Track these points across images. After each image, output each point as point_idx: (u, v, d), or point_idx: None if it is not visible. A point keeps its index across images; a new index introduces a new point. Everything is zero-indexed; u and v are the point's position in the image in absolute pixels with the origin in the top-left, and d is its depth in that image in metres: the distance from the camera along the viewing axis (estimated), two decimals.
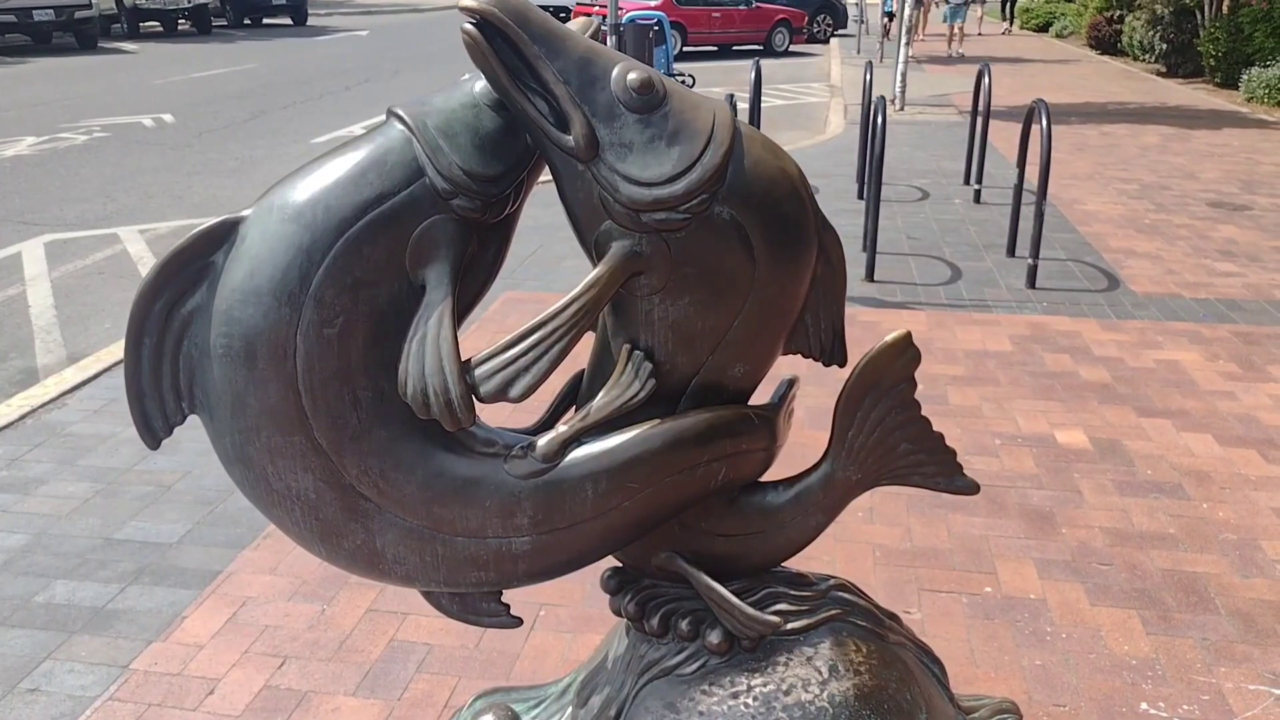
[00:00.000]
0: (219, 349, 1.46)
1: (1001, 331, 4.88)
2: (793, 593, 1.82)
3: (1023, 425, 3.84)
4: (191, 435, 4.04)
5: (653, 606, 1.81)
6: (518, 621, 1.73)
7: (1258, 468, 3.52)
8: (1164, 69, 15.83)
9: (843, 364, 1.70)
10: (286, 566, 2.94)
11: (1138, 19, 16.57)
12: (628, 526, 1.62)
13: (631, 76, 1.45)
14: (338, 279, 1.42)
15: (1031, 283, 5.56)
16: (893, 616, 1.92)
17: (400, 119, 1.50)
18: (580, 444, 1.55)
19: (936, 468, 1.74)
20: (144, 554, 3.02)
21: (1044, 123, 5.23)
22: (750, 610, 1.70)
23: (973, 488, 1.75)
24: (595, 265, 1.51)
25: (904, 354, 1.63)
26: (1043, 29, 25.16)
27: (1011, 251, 6.16)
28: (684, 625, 1.75)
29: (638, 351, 1.57)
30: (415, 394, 1.44)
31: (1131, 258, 6.12)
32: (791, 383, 1.75)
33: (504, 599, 1.69)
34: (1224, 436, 3.76)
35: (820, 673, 1.76)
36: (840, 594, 1.86)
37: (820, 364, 1.66)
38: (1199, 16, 14.76)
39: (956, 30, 18.27)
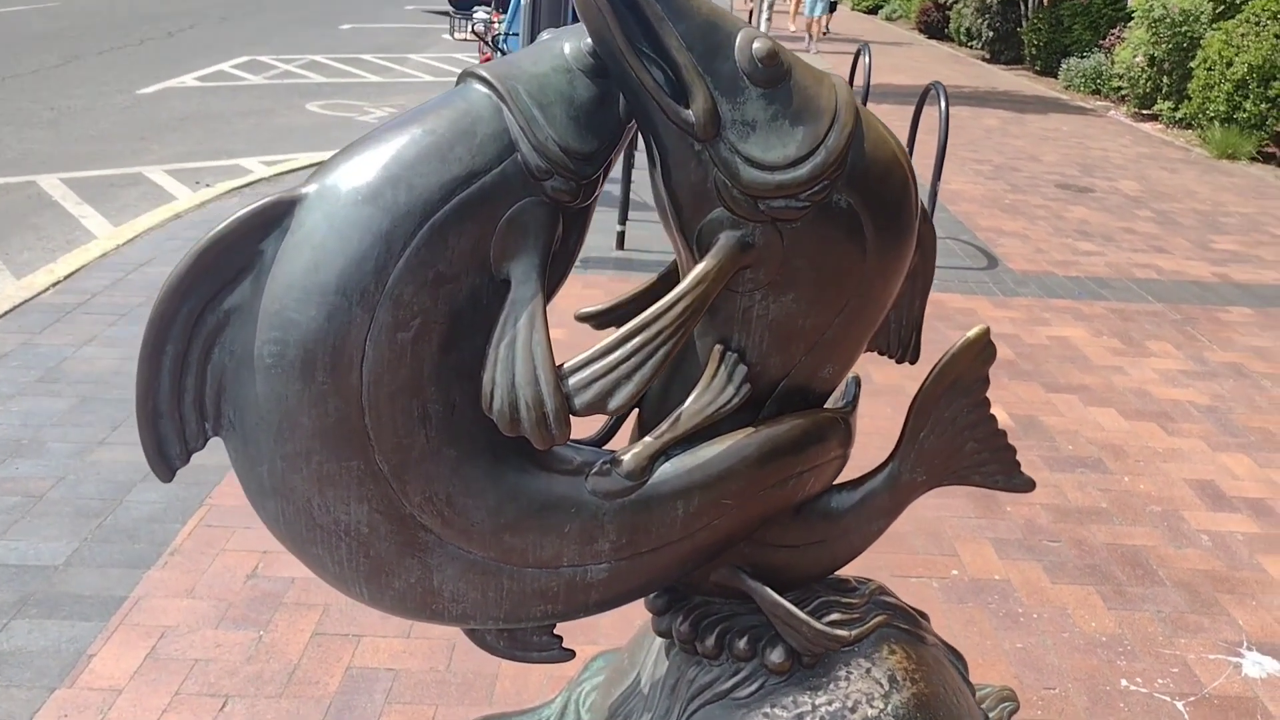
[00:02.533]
0: (267, 358, 1.23)
1: None
2: (843, 600, 1.74)
3: None
4: (60, 434, 3.75)
5: (706, 626, 1.68)
6: (570, 654, 1.58)
7: (1161, 440, 3.72)
8: (988, 55, 16.74)
9: (915, 361, 1.64)
10: (205, 587, 2.65)
11: (967, 6, 17.42)
12: (713, 546, 1.49)
13: (757, 45, 1.30)
14: (418, 273, 1.23)
15: None
16: (923, 615, 1.88)
17: (486, 83, 1.30)
18: (667, 457, 1.41)
19: (998, 466, 1.69)
20: (24, 580, 2.65)
21: (942, 104, 5.36)
22: (819, 625, 1.59)
23: (1030, 485, 1.70)
24: (695, 258, 1.36)
25: (982, 351, 1.57)
26: (873, 11, 26.16)
27: None
28: (741, 644, 1.62)
29: (730, 353, 1.43)
30: (504, 407, 1.26)
31: (1003, 236, 6.39)
32: (858, 382, 1.66)
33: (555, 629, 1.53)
34: (1126, 410, 3.95)
35: (882, 685, 1.69)
36: (882, 597, 1.81)
37: (894, 361, 1.58)
38: (1022, 7, 15.66)
39: (817, 22, 18.64)
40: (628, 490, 1.39)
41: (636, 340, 1.30)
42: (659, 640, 1.76)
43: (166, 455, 1.26)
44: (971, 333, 1.56)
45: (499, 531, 1.35)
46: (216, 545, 2.83)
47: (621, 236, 5.71)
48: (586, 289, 4.95)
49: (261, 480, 1.29)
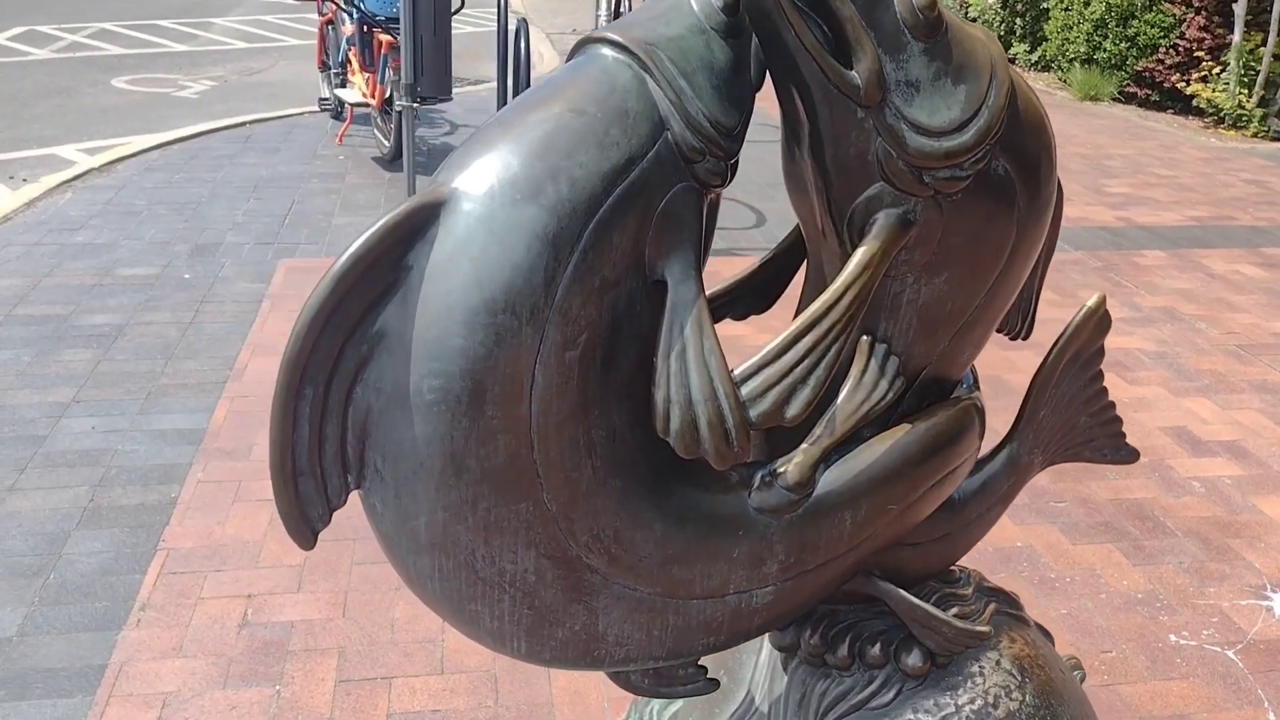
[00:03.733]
0: (428, 394, 1.12)
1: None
2: (957, 592, 1.76)
3: None
4: None
5: (836, 635, 1.66)
6: (716, 684, 1.55)
7: (1125, 390, 3.94)
8: None
9: (1027, 336, 1.64)
10: (195, 643, 2.46)
11: None
12: (869, 557, 1.46)
13: None
14: (586, 281, 1.13)
15: None
16: (1015, 595, 1.92)
17: (623, 49, 1.19)
18: (827, 465, 1.36)
19: (1107, 439, 1.73)
20: None
21: None
22: (961, 624, 1.60)
23: (1134, 455, 1.75)
24: (847, 242, 1.29)
25: (1101, 321, 1.59)
26: None
27: None
28: (874, 651, 1.59)
29: (879, 343, 1.36)
30: (683, 427, 1.16)
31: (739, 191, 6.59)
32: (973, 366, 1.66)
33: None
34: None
35: (1015, 676, 1.72)
36: (983, 583, 1.83)
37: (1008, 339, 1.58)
38: None
39: None
40: (795, 504, 1.33)
41: (808, 339, 1.21)
42: (767, 654, 1.72)
43: (309, 518, 1.14)
44: (1090, 302, 1.57)
45: (667, 564, 1.28)
46: (191, 594, 2.63)
47: None
48: None
49: (417, 535, 1.18)
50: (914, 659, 1.57)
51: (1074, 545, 2.95)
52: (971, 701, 1.65)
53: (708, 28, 1.24)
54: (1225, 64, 9.00)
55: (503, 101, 6.25)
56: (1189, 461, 3.43)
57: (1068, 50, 10.65)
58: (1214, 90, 8.97)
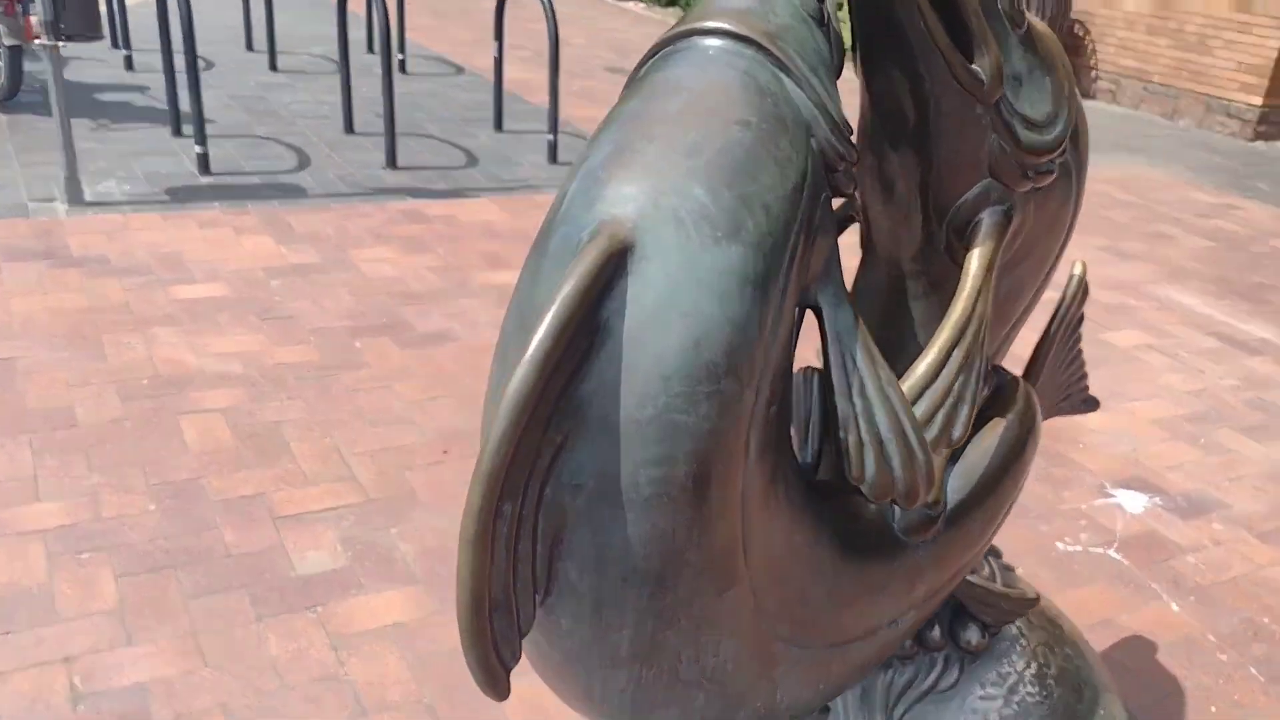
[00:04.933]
0: (645, 486, 0.89)
1: None
2: (1002, 563, 1.78)
3: None
4: None
5: None
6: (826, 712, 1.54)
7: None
8: None
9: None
10: None
11: None
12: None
13: None
14: (785, 322, 0.98)
15: (554, 157, 5.56)
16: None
17: (754, 44, 0.98)
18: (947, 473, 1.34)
19: (1079, 393, 1.81)
20: None
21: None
22: (1014, 593, 1.62)
23: (1096, 404, 1.84)
24: (947, 244, 1.23)
25: (1085, 286, 1.64)
26: None
27: (499, 125, 6.08)
28: (934, 635, 1.57)
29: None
30: (879, 472, 1.04)
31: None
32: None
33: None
34: None
35: (1048, 630, 1.80)
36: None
37: None
38: None
39: None
40: (936, 520, 1.27)
41: (959, 353, 1.14)
42: None
43: (504, 659, 0.90)
44: (1077, 269, 1.63)
45: (838, 611, 1.21)
46: None
47: (204, 159, 4.82)
48: (201, 228, 4.10)
49: (617, 649, 0.98)
50: (973, 635, 1.56)
51: None
52: (1028, 665, 1.68)
53: (805, 16, 1.04)
54: None
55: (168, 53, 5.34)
56: None
57: None
58: None
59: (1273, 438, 3.34)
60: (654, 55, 1.02)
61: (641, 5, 12.20)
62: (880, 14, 1.06)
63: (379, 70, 7.14)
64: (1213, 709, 2.17)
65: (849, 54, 1.13)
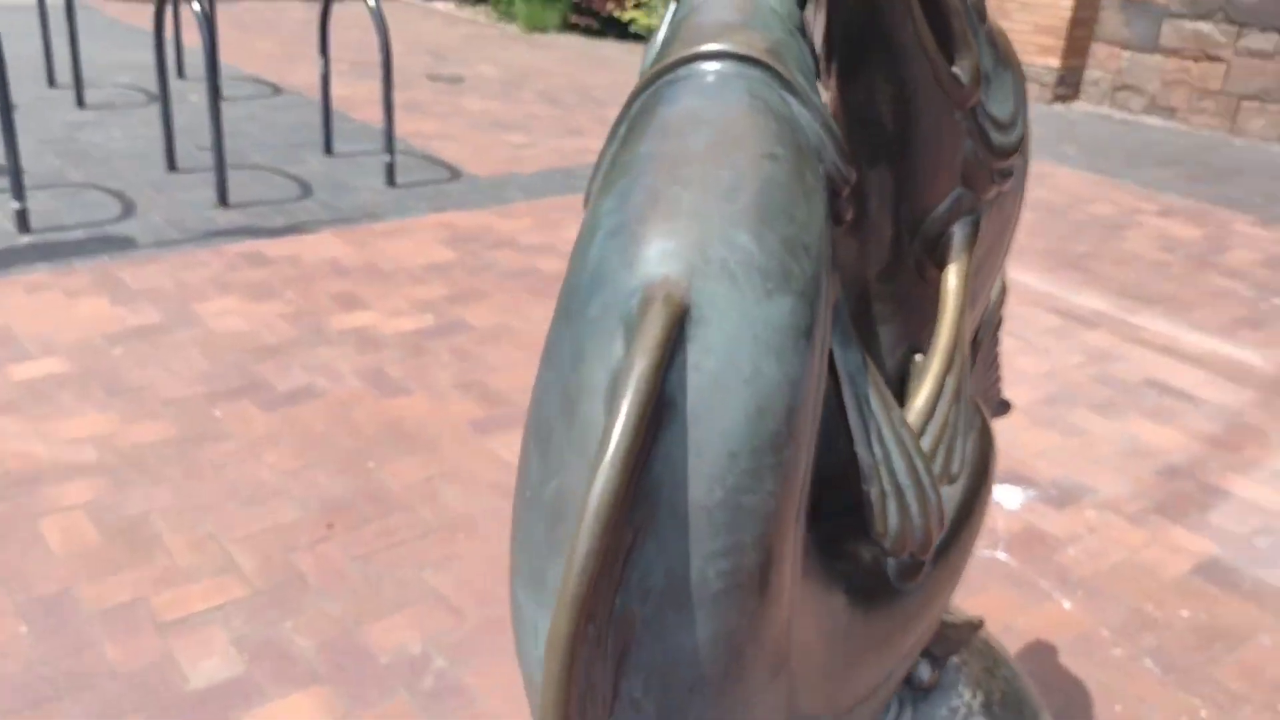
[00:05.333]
0: (715, 581, 0.81)
1: (429, 238, 4.67)
2: None
3: None
4: None
5: None
6: None
7: None
8: None
9: None
10: None
11: None
12: None
13: None
14: (824, 370, 0.93)
15: (392, 180, 5.36)
16: None
17: (762, 65, 0.91)
18: None
19: (995, 395, 1.84)
20: None
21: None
22: (957, 618, 1.64)
23: (1009, 407, 1.87)
24: (917, 260, 1.16)
25: (1004, 285, 1.65)
26: None
27: (329, 148, 5.81)
28: None
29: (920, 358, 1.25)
30: (901, 523, 0.99)
31: (437, 140, 6.26)
32: None
33: None
34: None
35: (987, 656, 1.82)
36: None
37: None
38: None
39: None
40: (924, 564, 1.21)
41: (951, 382, 1.09)
42: None
43: None
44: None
45: (849, 673, 1.14)
46: None
47: (23, 215, 4.42)
48: (28, 294, 3.77)
49: None
50: (924, 671, 1.52)
51: None
52: (975, 694, 1.67)
53: (792, 27, 0.97)
54: None
55: None
56: None
57: None
58: (647, 16, 9.68)
59: (1121, 414, 3.54)
60: (651, 84, 0.92)
61: (451, 5, 11.91)
62: (863, 17, 0.99)
63: (193, 98, 6.74)
64: (1117, 708, 2.27)
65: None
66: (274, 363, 3.49)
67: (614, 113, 7.11)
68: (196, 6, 4.60)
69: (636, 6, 9.85)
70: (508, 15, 10.89)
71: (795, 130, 0.90)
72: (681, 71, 0.91)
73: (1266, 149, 7.41)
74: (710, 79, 0.89)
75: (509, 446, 3.08)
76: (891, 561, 1.17)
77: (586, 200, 0.95)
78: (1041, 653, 2.41)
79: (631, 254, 0.80)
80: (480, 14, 11.33)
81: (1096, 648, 2.44)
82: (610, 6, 10.00)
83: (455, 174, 5.65)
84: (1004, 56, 1.16)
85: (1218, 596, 2.64)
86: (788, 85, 0.89)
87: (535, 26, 10.34)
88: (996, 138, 1.12)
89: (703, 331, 0.78)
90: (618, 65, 9.01)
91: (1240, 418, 3.57)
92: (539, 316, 3.95)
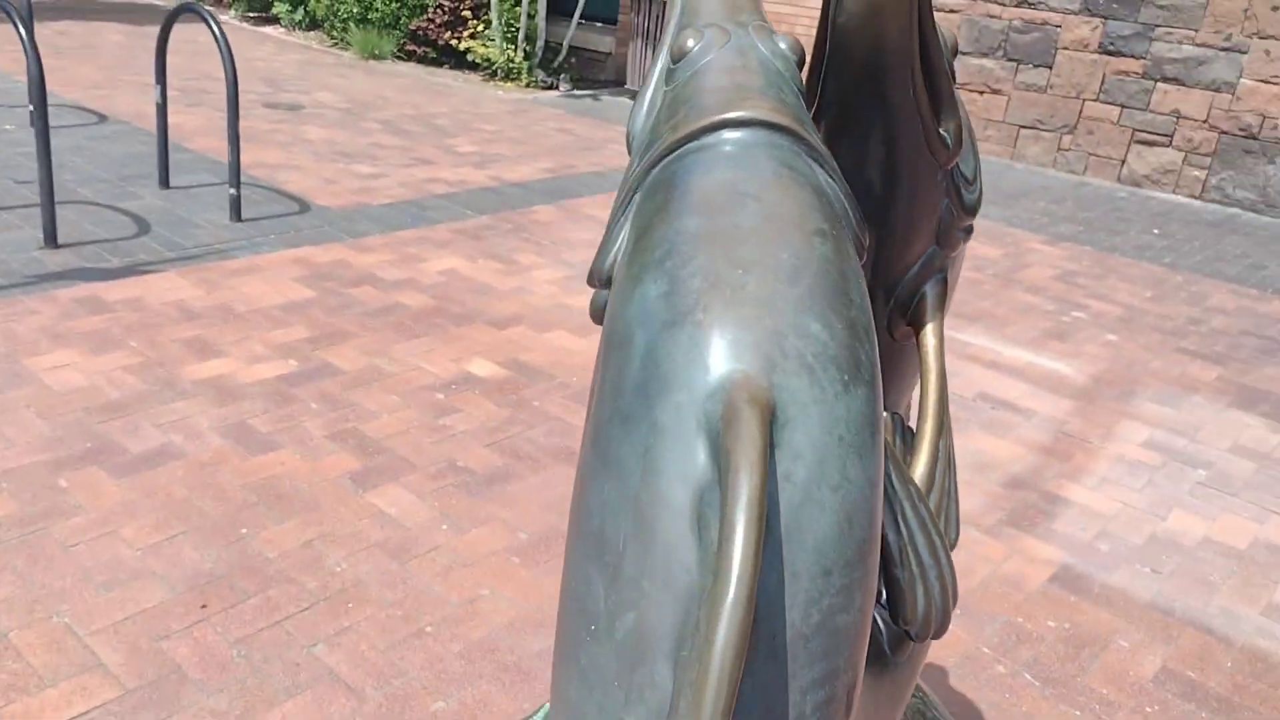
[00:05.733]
0: (813, 712, 0.73)
1: (283, 275, 4.26)
2: None
3: (439, 369, 3.55)
4: None
5: None
6: None
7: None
8: None
9: None
10: None
11: None
12: None
13: (947, 31, 1.11)
14: None
15: (237, 214, 4.89)
16: None
17: (794, 135, 0.83)
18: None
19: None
20: None
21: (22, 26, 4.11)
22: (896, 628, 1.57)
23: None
24: (892, 319, 1.13)
25: None
26: None
27: (166, 181, 5.27)
28: None
29: (896, 415, 1.21)
30: (927, 605, 0.94)
31: (281, 171, 5.79)
32: None
33: None
34: (577, 328, 4.07)
35: (918, 697, 1.75)
36: None
37: None
38: None
39: None
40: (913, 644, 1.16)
41: (944, 446, 1.06)
42: None
43: None
44: None
45: None
46: None
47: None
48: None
49: None
50: None
51: None
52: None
53: (798, 91, 0.89)
54: (489, 22, 9.43)
55: None
56: None
57: (340, 10, 10.24)
58: (484, 46, 9.36)
59: (964, 428, 3.54)
60: (674, 151, 0.83)
61: (281, 30, 11.23)
62: (863, 80, 0.93)
63: (8, 126, 6.02)
64: None
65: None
66: (122, 421, 3.06)
67: (461, 142, 6.82)
68: (22, 30, 4.04)
69: (472, 37, 9.51)
70: (342, 42, 10.33)
71: (827, 200, 0.82)
72: (708, 139, 0.82)
73: (1042, 172, 7.79)
74: (742, 148, 0.81)
75: (393, 500, 2.78)
76: (885, 633, 1.08)
77: (599, 278, 0.84)
78: (934, 676, 2.33)
79: (701, 349, 0.69)
80: (313, 40, 10.71)
81: (980, 666, 2.38)
82: (447, 36, 9.62)
83: (304, 206, 5.23)
84: (966, 116, 1.11)
85: (1076, 604, 2.64)
86: (815, 153, 0.83)
87: (371, 54, 9.84)
88: (967, 196, 1.10)
89: (789, 436, 0.67)
90: (458, 94, 8.66)
91: (1064, 427, 3.64)
92: (409, 356, 3.64)
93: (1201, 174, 7.31)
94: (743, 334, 0.69)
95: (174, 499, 2.70)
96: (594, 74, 10.04)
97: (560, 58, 9.55)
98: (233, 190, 4.83)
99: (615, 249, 0.85)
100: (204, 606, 2.32)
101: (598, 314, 0.91)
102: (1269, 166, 7.08)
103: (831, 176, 0.83)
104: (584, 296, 4.38)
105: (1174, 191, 7.41)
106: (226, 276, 4.22)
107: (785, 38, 0.95)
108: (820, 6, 0.92)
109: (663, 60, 0.96)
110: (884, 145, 0.98)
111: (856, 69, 0.92)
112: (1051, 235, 6.09)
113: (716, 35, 0.91)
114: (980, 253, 5.55)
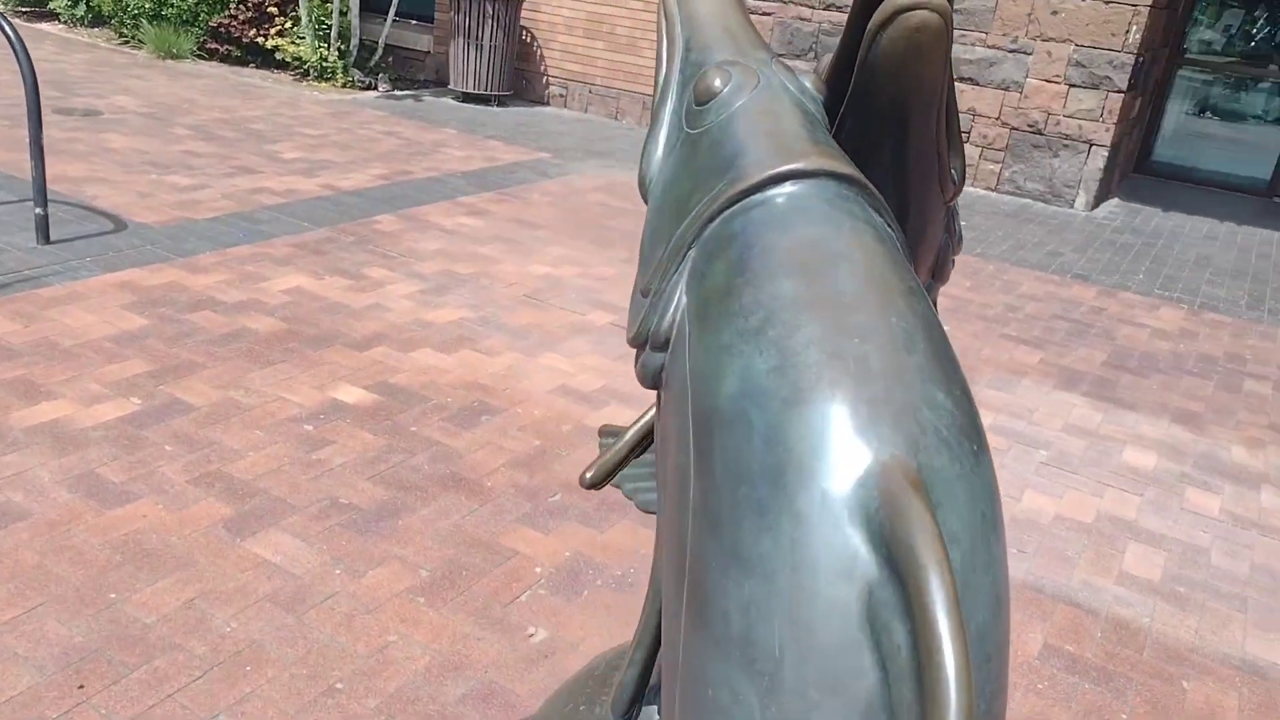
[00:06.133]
0: None
1: (109, 303, 3.88)
2: None
3: (303, 398, 3.32)
4: None
5: None
6: None
7: (497, 357, 3.82)
8: None
9: None
10: None
11: None
12: None
13: None
14: None
15: (46, 236, 4.42)
16: None
17: (861, 186, 0.83)
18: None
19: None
20: None
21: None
22: None
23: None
24: None
25: None
26: None
27: None
28: None
29: None
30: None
31: (89, 185, 5.29)
32: None
33: None
34: (442, 344, 3.91)
35: None
36: None
37: None
38: None
39: None
40: None
41: None
42: None
43: None
44: None
45: None
46: None
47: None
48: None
49: None
50: None
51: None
52: None
53: (827, 131, 0.91)
54: (297, 19, 8.96)
55: None
56: (599, 415, 3.53)
57: (129, 6, 9.46)
58: (294, 44, 8.88)
59: None
60: (736, 203, 0.78)
61: (61, 26, 10.27)
62: (889, 118, 0.91)
63: None
64: None
65: None
66: None
67: (284, 148, 6.45)
68: None
69: (280, 34, 9.00)
70: (134, 40, 9.55)
71: (896, 249, 0.79)
72: (771, 192, 0.78)
73: None
74: (809, 201, 0.77)
75: (276, 547, 2.59)
76: None
77: (655, 340, 0.79)
78: None
79: (839, 430, 0.64)
80: (100, 38, 9.85)
81: None
82: (252, 33, 9.06)
83: (119, 224, 4.80)
84: None
85: None
86: (875, 201, 0.81)
87: (168, 53, 9.15)
88: (959, 228, 1.14)
89: (943, 519, 0.63)
90: (271, 96, 8.18)
91: None
92: (266, 386, 3.40)
93: (997, 168, 7.86)
94: (879, 411, 0.65)
95: (24, 566, 2.42)
96: (413, 73, 9.74)
97: (376, 57, 9.20)
98: (39, 209, 4.36)
99: (672, 310, 0.79)
100: (81, 687, 2.09)
101: (651, 378, 0.85)
102: (1054, 160, 7.70)
103: (889, 223, 0.82)
104: (445, 311, 4.24)
105: (973, 185, 7.93)
106: (44, 307, 3.81)
107: (807, 76, 0.93)
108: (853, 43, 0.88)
109: (675, 97, 0.92)
110: (898, 183, 0.98)
111: (884, 107, 0.90)
112: None
113: (745, 76, 0.88)
114: None
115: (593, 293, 4.68)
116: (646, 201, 0.99)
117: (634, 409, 3.56)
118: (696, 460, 0.73)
